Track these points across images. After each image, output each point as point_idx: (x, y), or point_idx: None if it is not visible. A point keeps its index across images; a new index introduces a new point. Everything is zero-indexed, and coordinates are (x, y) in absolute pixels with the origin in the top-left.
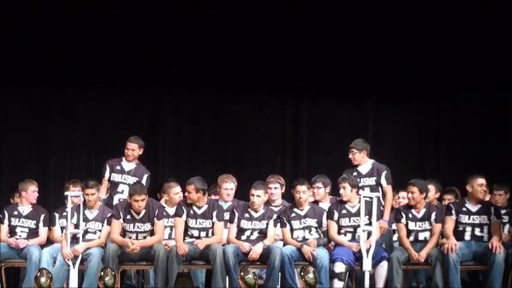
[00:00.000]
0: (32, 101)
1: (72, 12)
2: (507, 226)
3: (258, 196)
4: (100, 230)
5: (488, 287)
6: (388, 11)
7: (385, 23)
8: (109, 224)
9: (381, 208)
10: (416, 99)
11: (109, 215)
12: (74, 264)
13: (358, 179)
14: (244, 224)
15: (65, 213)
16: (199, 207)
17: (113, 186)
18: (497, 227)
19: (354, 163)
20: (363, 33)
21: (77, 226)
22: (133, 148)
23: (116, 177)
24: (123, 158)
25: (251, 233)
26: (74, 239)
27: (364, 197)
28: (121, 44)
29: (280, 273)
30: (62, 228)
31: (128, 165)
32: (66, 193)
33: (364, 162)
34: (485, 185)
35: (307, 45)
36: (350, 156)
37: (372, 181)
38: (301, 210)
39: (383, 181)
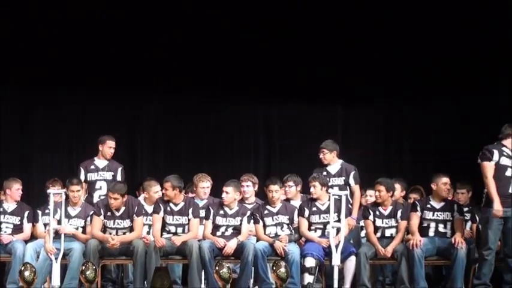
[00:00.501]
0: (16, 103)
1: (54, 13)
2: (469, 223)
3: (226, 193)
4: (82, 227)
5: (451, 281)
6: (353, 16)
7: (351, 29)
8: (91, 221)
9: (349, 206)
10: (382, 102)
11: (91, 212)
12: (56, 258)
13: (328, 179)
14: (219, 220)
15: (47, 211)
16: (175, 204)
17: (91, 185)
18: (460, 224)
19: (324, 163)
20: (331, 39)
21: (59, 222)
22: (114, 146)
23: (92, 176)
24: (95, 158)
25: (226, 230)
26: (57, 235)
27: (333, 195)
28: (102, 48)
29: (253, 268)
30: (45, 224)
31: (101, 163)
32: (48, 191)
33: (333, 162)
34: (449, 183)
35: (278, 50)
36: (321, 156)
37: (340, 181)
38: (274, 207)
39: (351, 181)
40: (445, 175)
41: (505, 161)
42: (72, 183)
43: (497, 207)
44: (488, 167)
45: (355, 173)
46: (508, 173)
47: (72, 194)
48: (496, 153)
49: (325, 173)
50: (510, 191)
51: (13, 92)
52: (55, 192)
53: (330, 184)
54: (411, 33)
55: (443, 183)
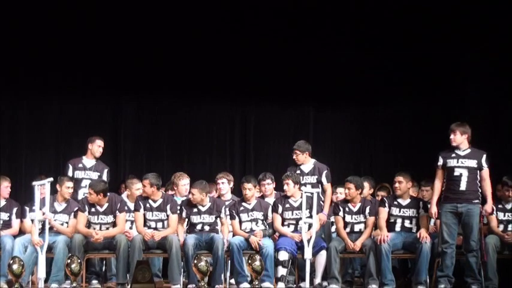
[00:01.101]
0: (4, 105)
1: (39, 18)
2: (433, 219)
3: (193, 194)
4: (67, 222)
5: (416, 273)
6: (326, 22)
7: (323, 36)
8: (75, 216)
9: (321, 203)
10: (352, 105)
11: (76, 208)
12: (41, 249)
13: (301, 177)
14: (194, 218)
15: (34, 207)
16: (154, 201)
17: (77, 182)
18: (425, 220)
19: (297, 163)
20: (304, 45)
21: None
22: (103, 145)
23: (79, 174)
24: (83, 157)
25: (202, 227)
26: (43, 229)
27: (305, 192)
28: (84, 52)
29: (230, 261)
30: (32, 220)
31: (89, 162)
32: (33, 183)
33: (306, 162)
34: (399, 181)
35: (255, 55)
36: (294, 157)
37: (313, 179)
38: (249, 204)
39: (323, 179)
40: (400, 174)
41: (452, 162)
42: (66, 179)
43: (433, 209)
44: (436, 173)
45: (327, 172)
46: (456, 173)
47: (66, 191)
48: (440, 158)
49: (298, 172)
50: (461, 188)
51: (2, 96)
52: (39, 184)
53: (303, 182)
54: (378, 39)
55: (395, 181)
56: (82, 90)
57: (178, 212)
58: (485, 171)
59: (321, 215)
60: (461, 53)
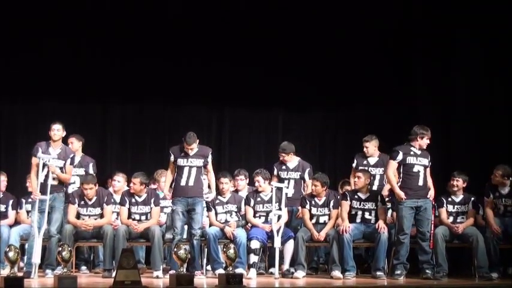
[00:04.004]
0: (1, 105)
1: (26, 20)
2: (390, 211)
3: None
4: (61, 168)
5: (375, 260)
6: (287, 36)
7: (291, 47)
8: (71, 163)
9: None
10: (317, 109)
11: (71, 155)
12: (39, 230)
13: (286, 172)
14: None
15: (30, 200)
16: (139, 196)
17: None
18: (383, 212)
19: (285, 163)
20: (274, 55)
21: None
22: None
23: None
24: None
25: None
26: (44, 190)
27: (275, 186)
28: (82, 62)
29: (206, 249)
30: (28, 211)
31: (76, 158)
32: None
33: (292, 159)
34: (358, 177)
35: (228, 64)
36: (281, 158)
37: (297, 175)
38: (224, 197)
39: (306, 176)
40: (360, 171)
41: (411, 159)
42: (53, 124)
43: (398, 191)
44: (391, 165)
45: (310, 170)
46: (415, 170)
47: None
48: (401, 153)
49: (284, 167)
50: (419, 184)
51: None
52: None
53: (287, 177)
54: (340, 52)
55: (355, 176)
56: (74, 94)
57: (160, 205)
58: (429, 169)
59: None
60: (413, 65)
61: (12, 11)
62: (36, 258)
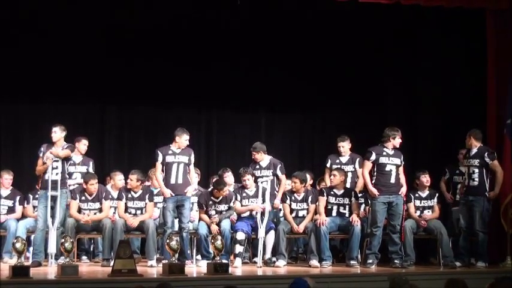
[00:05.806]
0: (5, 109)
1: (27, 20)
2: (363, 205)
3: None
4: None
5: (349, 250)
6: (275, 41)
7: (274, 53)
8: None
9: (275, 192)
10: (297, 111)
11: (66, 146)
12: (53, 223)
13: (260, 171)
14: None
15: (37, 195)
16: (135, 192)
17: (69, 175)
18: (356, 206)
19: (256, 161)
20: (256, 62)
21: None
22: (87, 144)
23: (70, 169)
24: (72, 154)
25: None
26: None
27: (261, 182)
28: (79, 67)
29: (195, 241)
30: (34, 207)
31: (77, 158)
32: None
33: (263, 159)
34: (333, 174)
35: (215, 70)
36: (252, 156)
37: (269, 173)
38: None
39: (278, 172)
40: (335, 169)
41: (384, 159)
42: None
43: (371, 189)
44: (366, 164)
45: (281, 166)
46: (387, 168)
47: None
48: (373, 154)
49: (257, 166)
50: (392, 181)
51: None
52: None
53: (261, 175)
54: (318, 60)
55: (331, 174)
56: (74, 96)
57: (153, 200)
58: (402, 167)
59: (275, 203)
60: (383, 73)
61: (12, 11)
62: (52, 248)
